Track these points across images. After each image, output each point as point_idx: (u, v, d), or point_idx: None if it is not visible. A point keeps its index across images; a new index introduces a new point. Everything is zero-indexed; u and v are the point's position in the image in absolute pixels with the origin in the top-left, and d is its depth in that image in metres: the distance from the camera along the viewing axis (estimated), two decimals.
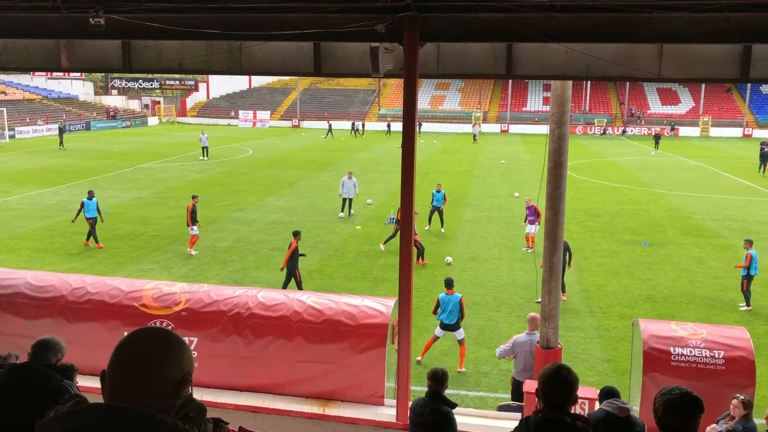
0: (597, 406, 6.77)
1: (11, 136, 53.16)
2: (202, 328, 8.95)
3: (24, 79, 73.14)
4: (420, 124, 63.20)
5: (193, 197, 19.39)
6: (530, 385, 8.43)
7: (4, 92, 66.55)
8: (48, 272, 11.23)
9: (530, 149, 50.06)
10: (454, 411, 6.03)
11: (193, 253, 19.01)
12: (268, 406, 8.21)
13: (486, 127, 69.51)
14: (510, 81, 71.51)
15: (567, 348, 11.49)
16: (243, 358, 8.96)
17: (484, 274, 17.50)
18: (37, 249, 19.38)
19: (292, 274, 15.08)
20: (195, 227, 18.93)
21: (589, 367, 11.90)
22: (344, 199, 24.32)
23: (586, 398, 7.71)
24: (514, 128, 70.44)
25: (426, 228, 21.96)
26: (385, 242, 19.56)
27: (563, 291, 16.45)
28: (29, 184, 30.84)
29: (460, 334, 11.91)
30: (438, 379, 6.08)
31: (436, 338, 12.12)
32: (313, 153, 46.61)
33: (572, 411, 3.23)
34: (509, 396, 10.11)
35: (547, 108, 61.86)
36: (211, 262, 18.26)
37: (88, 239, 19.93)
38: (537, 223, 18.94)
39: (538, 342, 9.35)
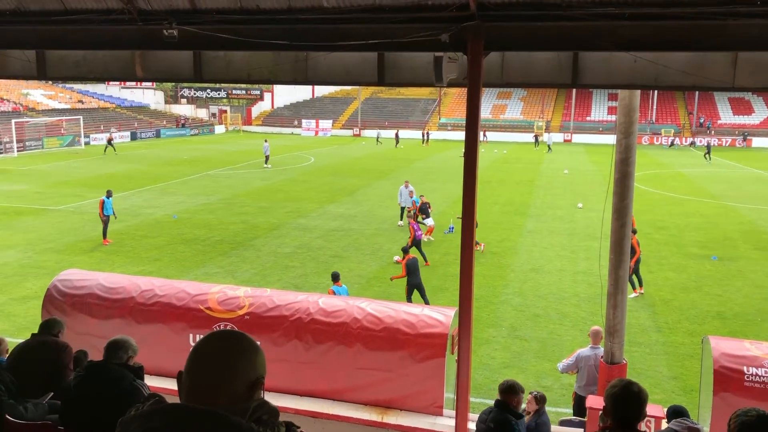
0: (664, 424, 6.55)
1: (86, 143, 55.56)
2: (265, 332, 9.10)
3: (99, 88, 76.35)
4: (485, 134, 62.67)
5: (421, 197, 23.21)
6: (593, 401, 8.23)
7: (81, 101, 69.63)
8: (119, 274, 11.65)
9: (594, 159, 49.03)
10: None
11: (431, 239, 21.93)
12: (327, 412, 8.27)
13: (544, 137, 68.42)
14: (574, 90, 70.36)
15: (632, 364, 11.17)
16: (303, 363, 9.06)
17: (545, 287, 17.21)
18: (108, 252, 20.16)
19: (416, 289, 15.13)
20: (430, 219, 22.32)
21: (655, 385, 11.53)
22: (402, 208, 24.45)
23: (653, 416, 7.48)
24: (578, 138, 69.15)
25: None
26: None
27: (641, 285, 16.55)
28: (102, 188, 31.98)
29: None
30: (505, 389, 6.05)
31: None
32: (373, 161, 46.92)
33: (640, 428, 3.15)
34: (571, 411, 9.90)
35: (612, 117, 59.75)
36: (273, 268, 18.59)
37: (105, 236, 21.17)
38: None
39: (602, 357, 9.13)
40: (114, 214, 21.56)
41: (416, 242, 19.09)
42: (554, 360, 12.02)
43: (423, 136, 65.52)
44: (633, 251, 16.42)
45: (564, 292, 16.81)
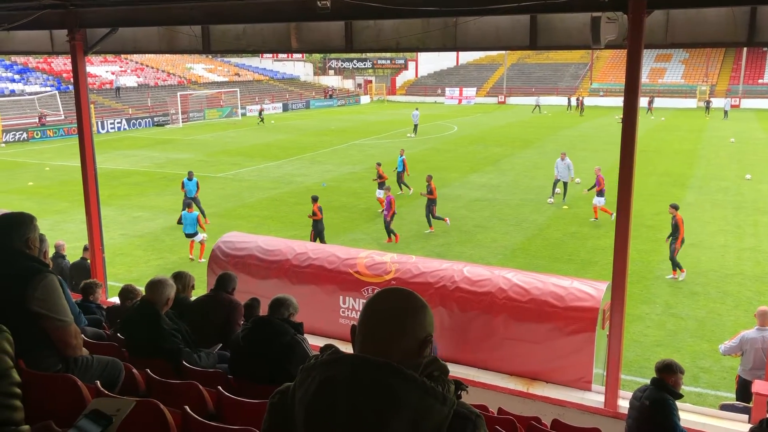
0: None
1: (243, 114, 58.95)
2: None
3: (254, 61, 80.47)
4: (653, 99, 58.13)
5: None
6: (760, 386, 7.64)
7: (237, 74, 73.82)
8: (275, 237, 12.33)
9: (766, 126, 44.69)
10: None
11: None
12: (472, 379, 8.32)
13: (713, 102, 63.04)
14: (744, 50, 64.21)
15: None
16: (447, 329, 9.14)
17: (706, 263, 16.06)
18: (264, 217, 21.39)
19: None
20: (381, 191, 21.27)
21: None
22: (556, 182, 23.32)
23: None
24: (747, 102, 63.14)
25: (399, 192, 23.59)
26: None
27: (678, 269, 14.99)
28: (257, 157, 34.01)
29: (199, 237, 16.84)
30: (663, 368, 5.77)
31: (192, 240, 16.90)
32: (517, 130, 45.83)
33: None
34: (733, 395, 9.25)
35: None
36: (416, 236, 18.83)
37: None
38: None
39: None
40: (195, 198, 19.64)
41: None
42: (713, 341, 11.27)
43: (572, 102, 61.64)
44: (677, 230, 14.78)
45: (727, 269, 15.61)
